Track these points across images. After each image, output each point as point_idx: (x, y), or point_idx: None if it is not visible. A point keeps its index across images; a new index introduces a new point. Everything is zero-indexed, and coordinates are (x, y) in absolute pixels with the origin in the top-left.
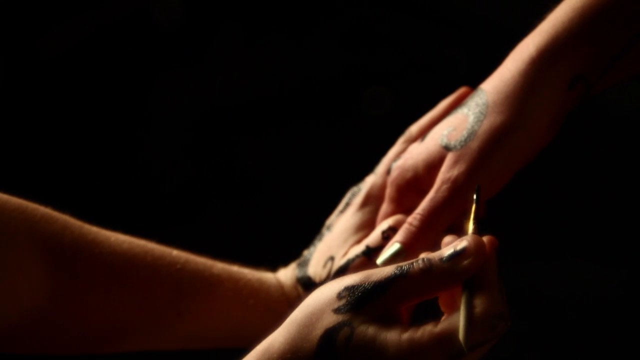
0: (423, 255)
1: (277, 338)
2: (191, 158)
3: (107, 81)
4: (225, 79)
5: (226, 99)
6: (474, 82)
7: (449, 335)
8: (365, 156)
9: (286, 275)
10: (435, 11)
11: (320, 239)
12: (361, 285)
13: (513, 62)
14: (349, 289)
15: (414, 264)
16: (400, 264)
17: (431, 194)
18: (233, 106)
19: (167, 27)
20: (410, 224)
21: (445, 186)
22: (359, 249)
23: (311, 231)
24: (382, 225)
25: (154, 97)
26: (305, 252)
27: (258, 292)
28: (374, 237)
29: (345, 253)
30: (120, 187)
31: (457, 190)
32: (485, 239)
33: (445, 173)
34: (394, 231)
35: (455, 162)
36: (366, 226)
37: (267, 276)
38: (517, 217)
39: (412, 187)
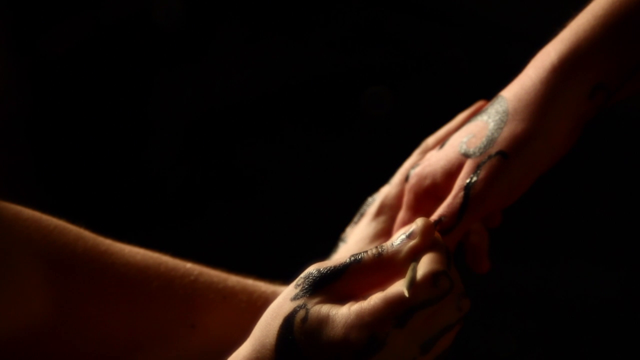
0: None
1: (243, 345)
2: (191, 158)
3: (107, 81)
4: (225, 79)
5: (226, 99)
6: (474, 82)
7: (395, 296)
8: (365, 155)
9: None
10: (435, 11)
11: (335, 251)
12: (317, 271)
13: (534, 69)
14: (305, 277)
15: (368, 251)
16: (356, 253)
17: (448, 200)
18: (233, 106)
19: (167, 27)
20: None
21: (462, 193)
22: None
23: (311, 230)
24: (399, 233)
25: (154, 97)
26: None
27: None
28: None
29: None
30: (120, 187)
31: (474, 197)
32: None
33: (463, 180)
34: None
35: (474, 169)
36: (381, 235)
37: (281, 289)
38: (517, 218)
39: (430, 195)
